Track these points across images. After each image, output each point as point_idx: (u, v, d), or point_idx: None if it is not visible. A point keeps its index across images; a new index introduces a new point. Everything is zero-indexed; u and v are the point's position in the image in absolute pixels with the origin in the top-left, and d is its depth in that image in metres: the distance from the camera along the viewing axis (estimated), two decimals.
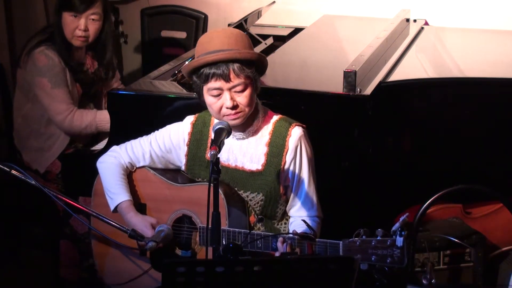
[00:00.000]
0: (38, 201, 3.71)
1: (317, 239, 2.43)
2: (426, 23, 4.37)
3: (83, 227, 3.53)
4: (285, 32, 4.30)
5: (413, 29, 4.19)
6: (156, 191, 2.77)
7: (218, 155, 2.62)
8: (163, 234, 2.62)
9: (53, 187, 3.59)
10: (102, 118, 3.60)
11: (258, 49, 3.94)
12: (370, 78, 3.26)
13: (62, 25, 3.58)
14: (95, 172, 3.09)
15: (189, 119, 2.78)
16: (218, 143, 2.36)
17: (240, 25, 4.01)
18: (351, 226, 2.79)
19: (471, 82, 3.39)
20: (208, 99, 2.59)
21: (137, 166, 2.80)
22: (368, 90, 3.13)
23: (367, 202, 3.11)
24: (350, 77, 3.08)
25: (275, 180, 2.65)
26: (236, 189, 2.68)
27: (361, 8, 4.82)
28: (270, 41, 4.12)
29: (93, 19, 3.59)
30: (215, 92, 2.55)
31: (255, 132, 2.68)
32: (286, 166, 2.65)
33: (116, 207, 2.73)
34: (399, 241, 2.19)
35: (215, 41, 2.55)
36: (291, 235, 2.45)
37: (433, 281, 2.41)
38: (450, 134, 3.34)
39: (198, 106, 3.20)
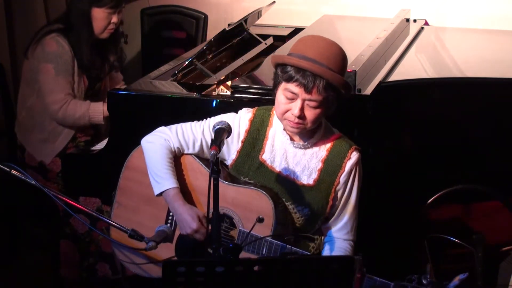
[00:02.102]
0: (38, 201, 3.72)
1: (367, 275, 2.32)
2: (426, 23, 4.37)
3: (84, 227, 3.54)
4: (285, 32, 4.30)
5: (413, 29, 4.19)
6: (199, 182, 2.71)
7: (268, 157, 2.60)
8: (163, 235, 2.61)
9: (53, 187, 3.60)
10: (95, 109, 3.61)
11: (258, 49, 3.94)
12: (370, 78, 3.26)
13: (92, 19, 3.63)
14: (95, 172, 3.09)
15: (247, 115, 2.71)
16: (218, 143, 2.35)
17: (240, 25, 4.02)
18: None
19: (471, 82, 3.39)
20: (280, 97, 2.54)
21: (185, 152, 2.73)
22: (368, 90, 3.13)
23: (367, 202, 3.11)
24: (350, 77, 3.08)
25: (325, 198, 2.62)
26: (283, 199, 2.64)
27: (361, 8, 4.82)
28: (270, 41, 4.12)
29: (119, 12, 3.70)
30: (290, 95, 2.50)
31: (314, 145, 2.64)
32: (338, 187, 2.63)
33: (162, 192, 2.67)
34: None
35: (317, 49, 2.48)
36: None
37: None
38: (450, 134, 3.34)
39: (198, 106, 3.21)
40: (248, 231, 2.56)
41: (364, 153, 3.10)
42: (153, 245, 2.57)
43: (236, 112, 2.74)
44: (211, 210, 2.24)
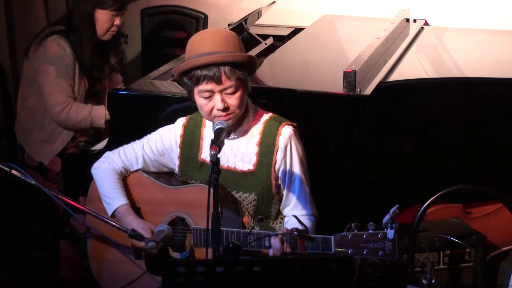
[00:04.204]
0: (38, 201, 3.71)
1: (308, 236, 2.43)
2: (426, 23, 4.37)
3: (84, 226, 3.53)
4: (285, 32, 4.30)
5: (413, 29, 4.19)
6: (149, 194, 2.77)
7: (207, 156, 2.62)
8: (163, 234, 2.62)
9: (53, 187, 3.60)
10: (97, 113, 3.61)
11: (258, 49, 3.94)
12: (370, 78, 3.26)
13: (95, 21, 3.62)
14: None
15: (180, 121, 2.78)
16: (218, 143, 2.36)
17: (240, 25, 4.02)
18: None
19: (471, 82, 3.40)
20: (199, 100, 2.58)
21: (131, 170, 2.79)
22: (368, 90, 3.13)
23: (367, 202, 3.11)
24: (350, 77, 3.09)
25: (267, 180, 2.65)
26: (228, 189, 2.68)
27: (361, 8, 4.82)
28: (270, 41, 4.12)
29: (122, 14, 3.69)
30: (206, 94, 2.54)
31: (246, 131, 2.67)
32: (277, 166, 2.65)
33: (113, 212, 2.72)
34: (390, 233, 2.19)
35: (206, 43, 2.54)
36: (288, 234, 2.45)
37: (433, 281, 2.41)
38: (450, 134, 3.34)
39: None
40: (200, 227, 2.61)
41: (364, 153, 3.11)
42: (153, 245, 2.57)
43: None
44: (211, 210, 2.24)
